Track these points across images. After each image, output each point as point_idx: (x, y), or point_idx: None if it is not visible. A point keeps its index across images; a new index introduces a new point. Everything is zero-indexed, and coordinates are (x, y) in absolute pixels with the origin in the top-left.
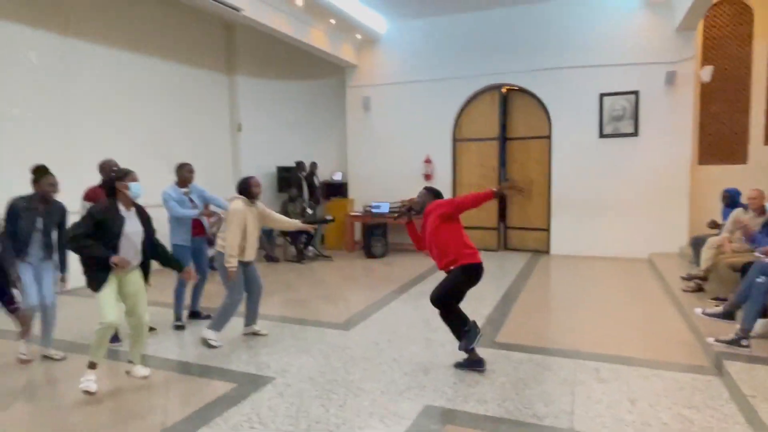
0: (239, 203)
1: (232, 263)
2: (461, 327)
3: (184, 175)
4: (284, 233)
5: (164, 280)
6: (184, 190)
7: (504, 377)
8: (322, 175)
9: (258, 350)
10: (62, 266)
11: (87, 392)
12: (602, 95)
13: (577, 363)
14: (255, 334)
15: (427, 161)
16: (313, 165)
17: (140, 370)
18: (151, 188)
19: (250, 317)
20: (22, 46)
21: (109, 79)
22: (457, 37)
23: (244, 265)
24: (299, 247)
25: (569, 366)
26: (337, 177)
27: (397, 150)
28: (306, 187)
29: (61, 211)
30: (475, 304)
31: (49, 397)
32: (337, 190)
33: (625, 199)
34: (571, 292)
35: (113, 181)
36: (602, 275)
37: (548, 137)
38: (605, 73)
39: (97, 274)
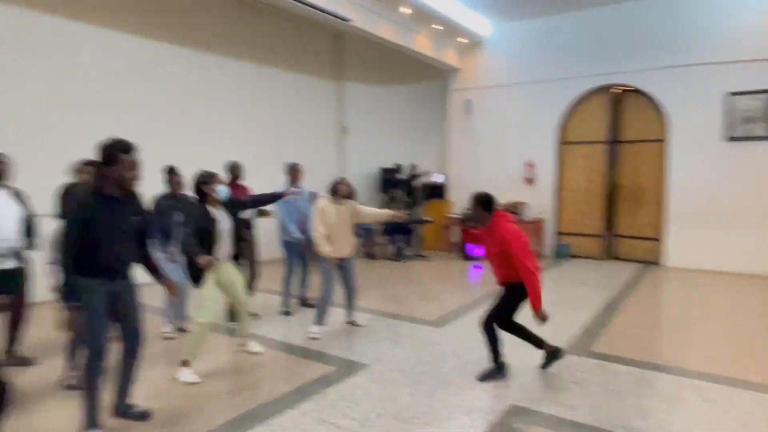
0: (323, 201)
1: (322, 250)
2: (497, 349)
3: (293, 174)
4: (384, 232)
5: (276, 269)
6: (295, 189)
7: (597, 386)
8: (424, 178)
9: (355, 339)
10: None
11: (190, 383)
12: (732, 94)
13: (681, 381)
14: (353, 324)
15: (530, 165)
16: (413, 167)
17: (254, 346)
18: (268, 187)
19: (349, 309)
20: (168, 63)
21: (237, 89)
22: (564, 37)
23: (338, 260)
24: (398, 246)
25: (672, 383)
26: (437, 179)
27: (498, 153)
28: (405, 189)
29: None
30: (572, 312)
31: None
32: (437, 191)
33: (755, 209)
34: (682, 307)
35: (201, 185)
36: (722, 291)
37: (663, 140)
38: (735, 70)
39: (198, 271)
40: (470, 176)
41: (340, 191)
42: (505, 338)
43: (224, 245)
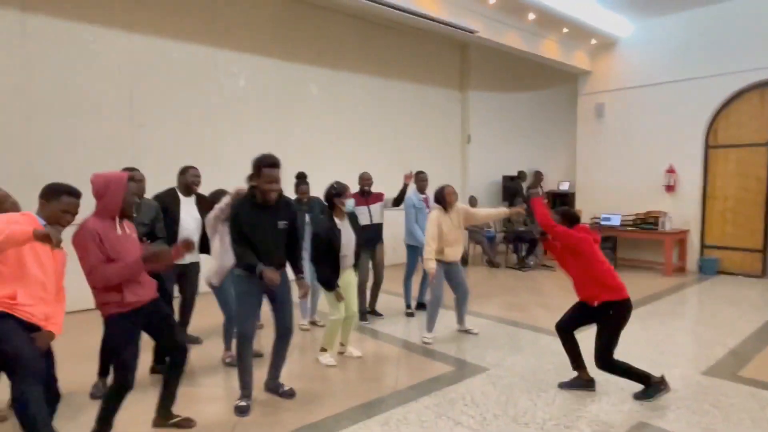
0: (434, 212)
1: (429, 266)
2: (643, 377)
3: (419, 183)
4: (506, 240)
5: (397, 273)
6: (423, 196)
7: (744, 414)
8: (549, 185)
9: (474, 343)
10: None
11: (328, 365)
12: None
13: None
14: (467, 332)
15: (670, 171)
16: (538, 174)
17: (354, 351)
18: (390, 193)
19: (459, 317)
20: (305, 81)
21: (365, 102)
22: (713, 30)
23: (447, 264)
24: (520, 254)
25: None
26: (564, 187)
27: (632, 159)
28: (528, 197)
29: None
30: (715, 332)
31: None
32: (564, 200)
33: None
34: None
35: (332, 197)
36: None
37: None
38: None
39: (330, 276)
40: (600, 183)
41: (446, 201)
42: (639, 354)
43: (348, 254)
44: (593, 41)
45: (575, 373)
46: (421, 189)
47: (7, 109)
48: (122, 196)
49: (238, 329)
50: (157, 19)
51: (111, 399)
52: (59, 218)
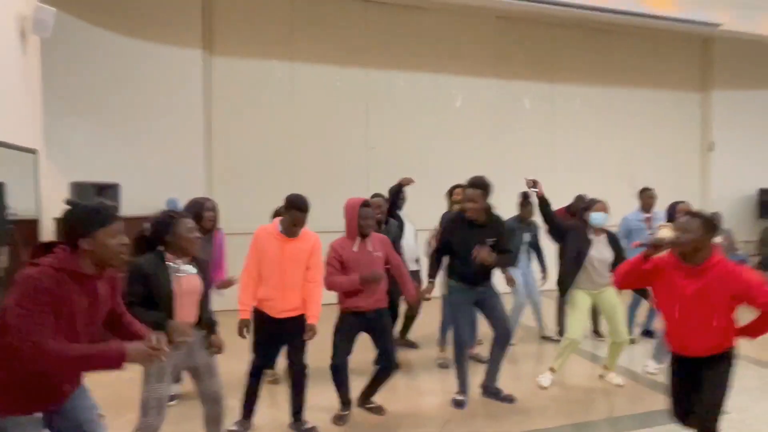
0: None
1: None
2: None
3: (645, 200)
4: (762, 265)
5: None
6: (646, 215)
7: None
8: None
9: None
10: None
11: (540, 387)
12: None
13: None
14: None
15: None
16: None
17: (615, 378)
18: (615, 211)
19: None
20: (520, 96)
21: (587, 114)
22: None
23: None
24: None
25: None
26: None
27: None
28: None
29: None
30: None
31: (529, 371)
32: None
33: None
34: None
35: (582, 210)
36: None
37: None
38: None
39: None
40: None
41: (677, 218)
42: None
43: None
44: None
45: None
46: (647, 207)
47: (276, 138)
48: (355, 219)
49: (454, 337)
50: (387, 54)
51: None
52: (289, 229)
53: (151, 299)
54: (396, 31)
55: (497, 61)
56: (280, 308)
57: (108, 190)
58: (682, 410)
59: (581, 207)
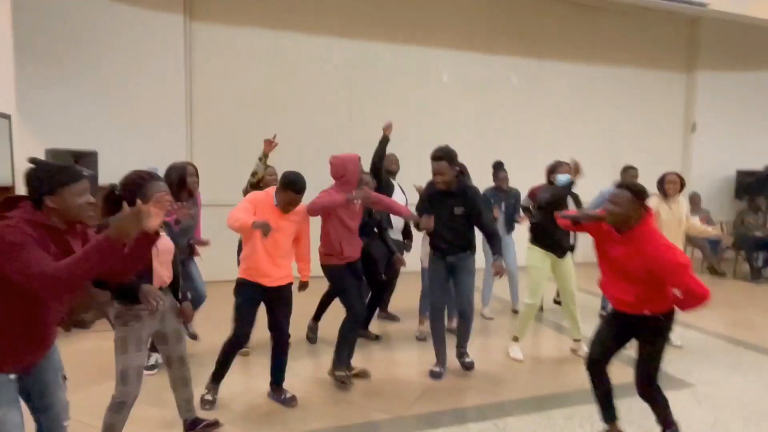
0: (654, 198)
1: None
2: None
3: (626, 179)
4: (736, 246)
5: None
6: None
7: None
8: None
9: (680, 356)
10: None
11: (515, 359)
12: None
13: None
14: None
15: None
16: None
17: (584, 348)
18: (595, 188)
19: None
20: (506, 72)
21: (573, 91)
22: None
23: None
24: (756, 264)
25: None
26: None
27: None
28: None
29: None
30: None
31: (503, 344)
32: None
33: None
34: None
35: (548, 174)
36: None
37: None
38: None
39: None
40: None
41: (664, 186)
42: None
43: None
44: None
45: None
46: None
47: (258, 107)
48: (358, 173)
49: (430, 301)
50: (374, 26)
51: (351, 331)
52: (285, 205)
53: None
54: (384, 2)
55: (485, 36)
56: (270, 277)
57: (85, 157)
58: (596, 352)
59: (548, 170)
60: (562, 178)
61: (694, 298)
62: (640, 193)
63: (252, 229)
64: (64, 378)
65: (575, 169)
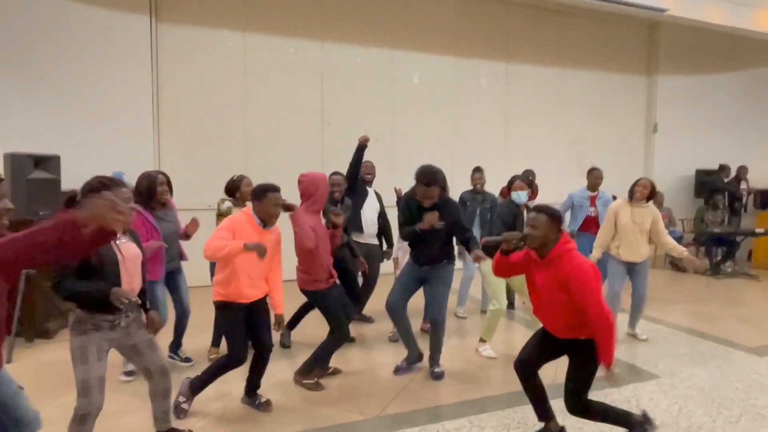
0: (618, 201)
1: (594, 254)
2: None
3: (592, 180)
4: (697, 242)
5: None
6: (591, 194)
7: None
8: (760, 182)
9: (647, 349)
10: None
11: (489, 357)
12: None
13: None
14: (634, 337)
15: None
16: (742, 169)
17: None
18: (563, 189)
19: (632, 319)
20: (477, 75)
21: (540, 94)
22: None
23: (627, 264)
24: (713, 259)
25: None
26: None
27: None
28: (726, 195)
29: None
30: None
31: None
32: None
33: None
34: None
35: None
36: None
37: None
38: None
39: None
40: None
41: (633, 190)
42: None
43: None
44: None
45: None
46: (593, 186)
47: (227, 110)
48: (326, 194)
49: (386, 300)
50: (344, 28)
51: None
52: (272, 213)
53: (89, 270)
54: (353, 5)
55: (455, 39)
56: (251, 296)
57: (47, 161)
58: (525, 356)
59: (509, 182)
60: (520, 195)
61: (599, 322)
62: (554, 216)
63: (239, 255)
64: (20, 387)
65: (533, 193)
